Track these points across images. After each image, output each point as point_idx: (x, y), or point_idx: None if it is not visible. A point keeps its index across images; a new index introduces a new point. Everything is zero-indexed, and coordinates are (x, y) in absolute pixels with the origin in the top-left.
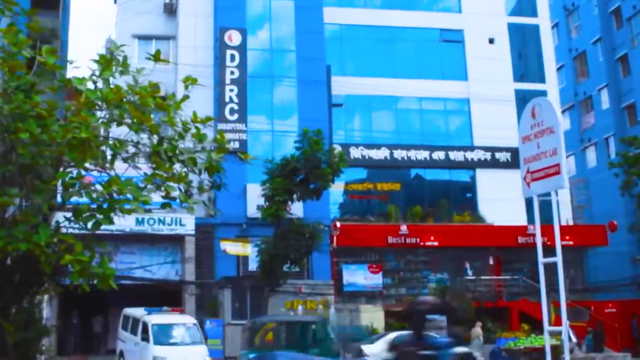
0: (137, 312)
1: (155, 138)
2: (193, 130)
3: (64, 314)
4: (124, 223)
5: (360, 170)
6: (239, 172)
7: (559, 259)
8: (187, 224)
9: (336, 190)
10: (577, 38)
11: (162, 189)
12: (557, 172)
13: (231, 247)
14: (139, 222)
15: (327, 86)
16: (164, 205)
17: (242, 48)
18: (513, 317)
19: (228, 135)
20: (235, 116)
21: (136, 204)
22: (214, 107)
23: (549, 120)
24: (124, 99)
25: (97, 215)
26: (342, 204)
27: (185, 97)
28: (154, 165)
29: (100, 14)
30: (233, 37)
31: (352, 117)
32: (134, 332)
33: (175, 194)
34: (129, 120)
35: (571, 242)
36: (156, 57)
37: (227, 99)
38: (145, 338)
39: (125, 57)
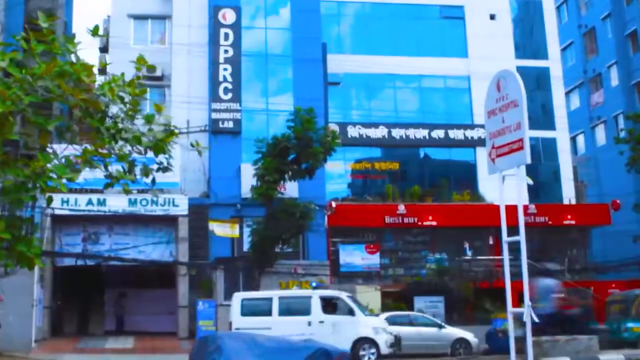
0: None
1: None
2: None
3: (60, 294)
4: (117, 204)
5: (360, 149)
6: (234, 152)
7: (522, 237)
8: (180, 204)
9: (337, 170)
10: (587, 14)
11: (103, 167)
12: (521, 148)
13: (219, 228)
14: (132, 202)
15: (323, 64)
16: (106, 185)
17: (236, 26)
18: (513, 297)
19: (222, 115)
20: (230, 95)
21: (59, 182)
22: (208, 86)
23: (513, 94)
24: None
25: (22, 193)
26: (349, 183)
27: (138, 78)
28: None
29: None
30: (227, 16)
31: (349, 95)
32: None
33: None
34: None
35: (573, 221)
36: (94, 32)
37: (220, 78)
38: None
39: (72, 36)
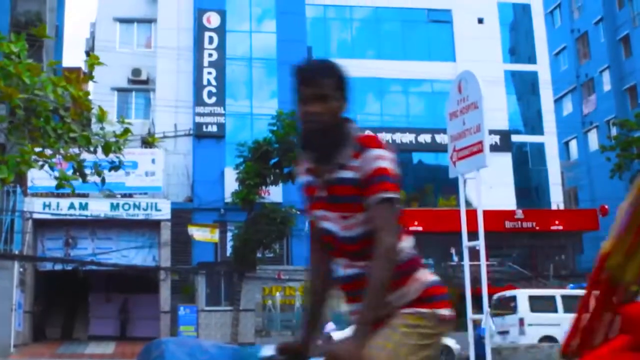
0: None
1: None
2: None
3: (43, 299)
4: (99, 208)
5: None
6: (218, 156)
7: (481, 243)
8: (162, 209)
9: None
10: (579, 19)
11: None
12: (480, 150)
13: (199, 233)
14: (114, 207)
15: None
16: (57, 186)
17: (220, 30)
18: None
19: (206, 119)
20: (214, 99)
21: None
22: (193, 90)
23: (473, 95)
24: None
25: None
26: None
27: (90, 77)
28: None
29: None
30: (212, 19)
31: None
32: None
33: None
34: None
35: (561, 227)
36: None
37: (205, 82)
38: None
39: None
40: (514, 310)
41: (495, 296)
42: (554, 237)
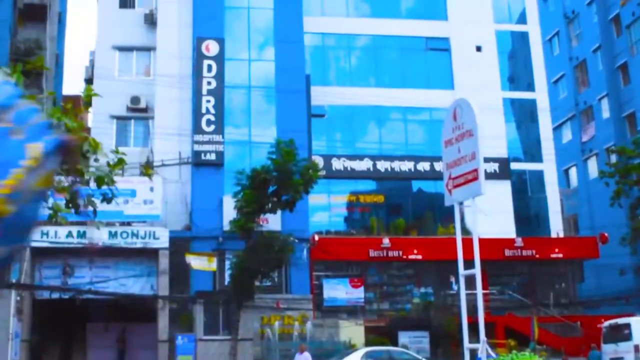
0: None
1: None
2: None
3: (41, 328)
4: (97, 237)
5: (344, 181)
6: (216, 184)
7: (477, 271)
8: (161, 237)
9: (321, 202)
10: (578, 46)
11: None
12: (476, 178)
13: (196, 262)
14: (112, 235)
15: (307, 96)
16: (50, 217)
17: (219, 58)
18: (498, 332)
19: (205, 147)
20: (212, 127)
21: None
22: (191, 118)
23: (468, 123)
24: None
25: None
26: (333, 216)
27: (86, 107)
28: None
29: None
30: (210, 47)
31: (334, 127)
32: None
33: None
34: None
35: (561, 255)
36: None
37: (203, 110)
38: None
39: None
40: (628, 337)
41: (606, 324)
42: (554, 265)
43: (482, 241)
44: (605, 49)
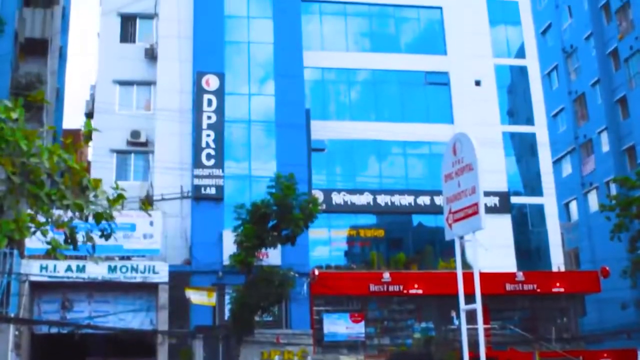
0: None
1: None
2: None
3: None
4: (96, 271)
5: (345, 216)
6: (216, 218)
7: (478, 306)
8: (160, 271)
9: (321, 236)
10: (576, 80)
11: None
12: (476, 212)
13: (196, 296)
14: (112, 269)
15: (307, 130)
16: (48, 252)
17: (219, 92)
18: None
19: (205, 181)
20: (212, 161)
21: None
22: (192, 152)
23: (468, 157)
24: None
25: None
26: (334, 250)
27: (86, 141)
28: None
29: (89, 58)
30: (210, 82)
31: (334, 161)
32: None
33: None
34: None
35: (562, 289)
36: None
37: (203, 144)
38: None
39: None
40: None
41: None
42: (556, 300)
43: (483, 275)
44: (604, 83)
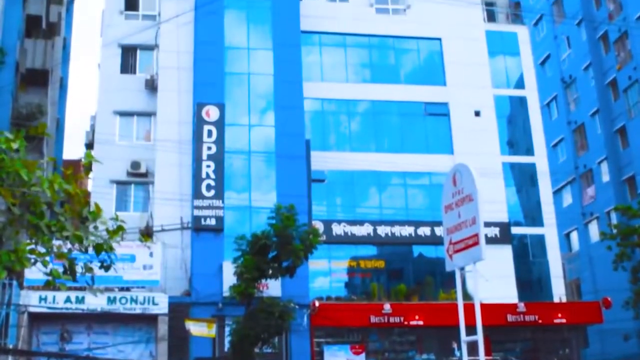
0: None
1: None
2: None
3: None
4: (95, 302)
5: (345, 247)
6: (216, 249)
7: (479, 337)
8: (160, 303)
9: (321, 268)
10: (576, 110)
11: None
12: (476, 243)
13: (196, 328)
14: (111, 301)
15: (307, 161)
16: (48, 283)
17: (219, 123)
18: None
19: (205, 212)
20: (212, 192)
21: None
22: (192, 183)
23: (468, 188)
24: None
25: None
26: (334, 282)
27: (87, 172)
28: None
29: (89, 88)
30: (210, 113)
31: (334, 192)
32: None
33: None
34: None
35: (564, 320)
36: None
37: (203, 175)
38: None
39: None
40: None
41: None
42: (558, 331)
43: (484, 306)
44: (603, 113)
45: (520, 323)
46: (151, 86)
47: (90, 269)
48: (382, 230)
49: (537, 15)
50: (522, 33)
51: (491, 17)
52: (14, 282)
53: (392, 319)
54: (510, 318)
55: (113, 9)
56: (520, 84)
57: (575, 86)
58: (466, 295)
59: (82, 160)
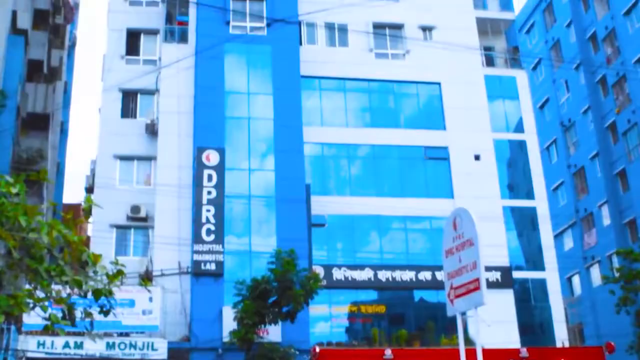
0: None
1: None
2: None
3: None
4: (94, 347)
5: (345, 292)
6: (216, 294)
7: None
8: (159, 348)
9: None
10: (575, 154)
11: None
12: (477, 288)
13: None
14: (110, 346)
15: (307, 206)
16: (46, 328)
17: (219, 168)
18: None
19: (205, 257)
20: (212, 237)
21: None
22: (191, 227)
23: (468, 232)
24: None
25: None
26: (335, 327)
27: (87, 216)
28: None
29: (89, 132)
30: (211, 157)
31: (334, 237)
32: None
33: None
34: None
35: None
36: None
37: (203, 220)
38: None
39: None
40: None
41: None
42: None
43: (486, 352)
44: (602, 156)
45: None
46: (151, 130)
47: (89, 314)
48: (383, 275)
49: (536, 60)
50: (521, 77)
51: (490, 61)
52: (12, 327)
53: None
54: None
55: (114, 54)
56: (519, 128)
57: (574, 130)
58: (468, 341)
59: (82, 204)
